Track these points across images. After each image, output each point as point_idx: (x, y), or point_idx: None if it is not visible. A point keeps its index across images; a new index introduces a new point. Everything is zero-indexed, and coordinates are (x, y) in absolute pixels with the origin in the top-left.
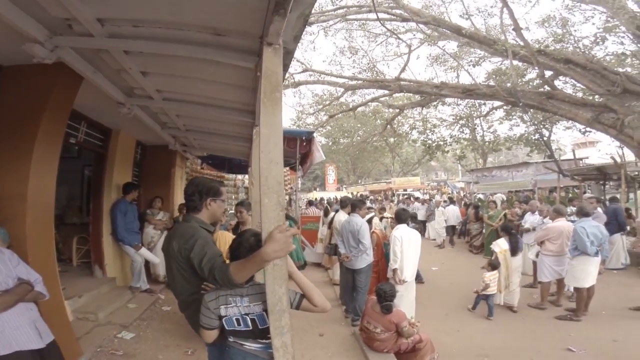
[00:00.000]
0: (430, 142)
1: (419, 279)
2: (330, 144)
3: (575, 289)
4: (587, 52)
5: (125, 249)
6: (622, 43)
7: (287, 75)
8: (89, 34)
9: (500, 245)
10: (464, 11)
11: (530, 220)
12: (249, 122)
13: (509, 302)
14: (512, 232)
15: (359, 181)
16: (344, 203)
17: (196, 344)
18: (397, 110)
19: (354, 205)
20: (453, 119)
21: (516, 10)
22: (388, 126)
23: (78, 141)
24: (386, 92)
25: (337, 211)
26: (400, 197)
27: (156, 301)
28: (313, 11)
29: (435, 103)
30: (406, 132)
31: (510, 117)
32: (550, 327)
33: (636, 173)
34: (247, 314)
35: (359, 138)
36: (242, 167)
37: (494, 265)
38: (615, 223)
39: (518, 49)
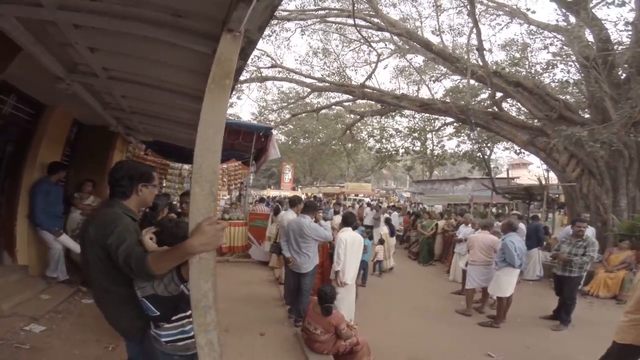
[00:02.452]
0: (384, 151)
1: (363, 281)
2: (290, 142)
3: (498, 297)
4: (537, 77)
5: (42, 235)
6: (568, 72)
7: (253, 68)
8: (38, 3)
9: (385, 230)
10: (437, 28)
11: (463, 231)
12: (200, 109)
13: (390, 265)
14: (391, 223)
15: (315, 183)
16: (293, 202)
17: (119, 339)
18: (358, 117)
19: (307, 206)
20: (408, 131)
21: (485, 32)
22: (347, 131)
23: (3, 114)
24: (350, 97)
25: (278, 209)
26: (353, 202)
27: (76, 293)
28: (292, 8)
29: (393, 113)
30: (363, 139)
31: (459, 134)
32: (474, 332)
33: (556, 195)
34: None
35: (319, 140)
36: (191, 156)
37: (381, 241)
38: (536, 238)
39: (477, 69)
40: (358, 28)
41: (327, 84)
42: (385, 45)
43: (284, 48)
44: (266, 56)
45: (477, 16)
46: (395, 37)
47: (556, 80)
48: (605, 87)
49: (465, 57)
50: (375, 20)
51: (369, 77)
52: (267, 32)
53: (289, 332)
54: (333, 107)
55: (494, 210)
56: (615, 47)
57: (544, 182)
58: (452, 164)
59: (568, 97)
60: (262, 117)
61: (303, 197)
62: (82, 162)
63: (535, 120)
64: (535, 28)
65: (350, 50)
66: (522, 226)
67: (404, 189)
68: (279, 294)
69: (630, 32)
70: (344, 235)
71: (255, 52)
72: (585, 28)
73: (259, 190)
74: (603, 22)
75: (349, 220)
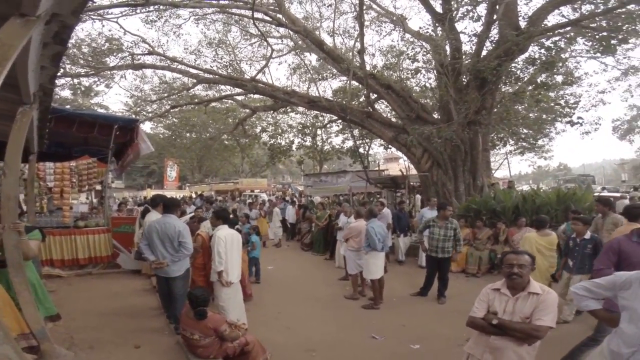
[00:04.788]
0: (277, 146)
1: (257, 278)
2: (173, 137)
3: (371, 280)
4: (404, 81)
5: None
6: (429, 78)
7: (126, 54)
8: None
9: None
10: (332, 29)
11: (342, 220)
12: (11, 98)
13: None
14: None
15: (206, 180)
16: (155, 201)
17: None
18: (249, 111)
19: (167, 205)
20: (300, 126)
21: (372, 38)
22: (240, 126)
23: None
24: (241, 91)
25: (147, 210)
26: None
27: None
28: None
29: (288, 110)
30: (257, 134)
31: (345, 131)
32: (359, 316)
33: (417, 183)
34: None
35: (208, 134)
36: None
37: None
38: (399, 226)
39: (357, 70)
40: (256, 22)
41: (215, 76)
42: (282, 41)
43: (173, 36)
44: (142, 41)
45: (364, 21)
46: (293, 35)
47: (419, 85)
48: (452, 91)
49: (351, 59)
50: (278, 15)
51: (261, 71)
52: (153, 17)
53: (170, 340)
54: (225, 100)
55: (360, 198)
56: (464, 57)
57: (405, 172)
58: (339, 158)
59: (427, 100)
60: (139, 109)
61: (193, 195)
62: None
63: (399, 120)
64: (410, 37)
65: (250, 45)
66: (387, 211)
67: (299, 182)
68: (157, 302)
69: (474, 44)
70: (221, 233)
71: (131, 38)
72: (445, 39)
73: (135, 191)
74: (461, 34)
75: (224, 216)
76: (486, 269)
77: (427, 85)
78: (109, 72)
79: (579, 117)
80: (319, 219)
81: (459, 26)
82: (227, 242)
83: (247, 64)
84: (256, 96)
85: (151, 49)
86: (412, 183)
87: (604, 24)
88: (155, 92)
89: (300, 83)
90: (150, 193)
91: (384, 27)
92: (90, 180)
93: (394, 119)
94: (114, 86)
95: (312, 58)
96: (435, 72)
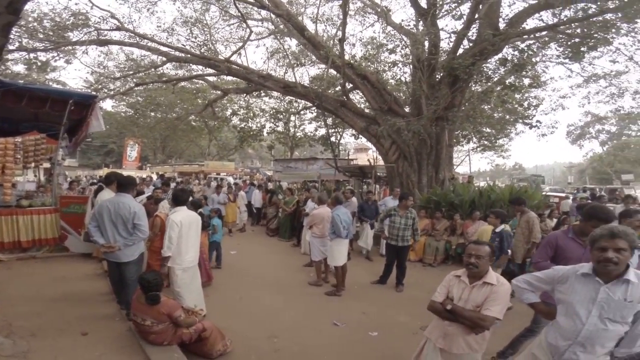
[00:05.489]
0: (248, 130)
1: (218, 262)
2: (137, 116)
3: (335, 267)
4: (380, 73)
5: None
6: (405, 72)
7: (92, 29)
8: None
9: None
10: (315, 16)
11: (309, 206)
12: None
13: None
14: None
15: (168, 161)
16: (109, 179)
17: None
18: (221, 93)
19: (122, 184)
20: (273, 111)
21: (356, 28)
22: (209, 107)
23: None
24: (213, 71)
25: (101, 189)
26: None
27: None
28: None
29: (262, 94)
30: (227, 117)
31: (318, 119)
32: (322, 302)
33: (384, 174)
34: None
35: (174, 115)
36: None
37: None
38: (369, 212)
39: (336, 58)
40: (237, 2)
41: (188, 55)
42: (262, 24)
43: (146, 13)
44: (111, 17)
45: (349, 10)
46: (275, 18)
47: (395, 78)
48: (424, 86)
49: (332, 47)
50: None
51: (236, 52)
52: None
53: (121, 327)
54: (195, 80)
55: (331, 187)
56: (440, 53)
57: (372, 162)
58: (310, 145)
59: (401, 94)
60: (99, 86)
61: (154, 177)
62: None
63: (371, 111)
64: (392, 29)
65: (228, 25)
66: (354, 200)
67: (268, 167)
68: (108, 287)
69: (452, 41)
70: (176, 216)
71: (99, 13)
72: (426, 34)
73: (90, 170)
74: (441, 31)
75: (181, 198)
76: (442, 259)
77: (402, 79)
78: (70, 47)
79: (537, 120)
80: (287, 204)
81: (441, 23)
82: (183, 225)
83: (222, 44)
84: (229, 78)
85: (120, 25)
86: (379, 173)
87: (579, 31)
88: (120, 70)
89: (277, 67)
90: (103, 172)
91: (368, 18)
92: (38, 157)
93: (367, 110)
94: (75, 62)
95: (291, 43)
96: (411, 66)
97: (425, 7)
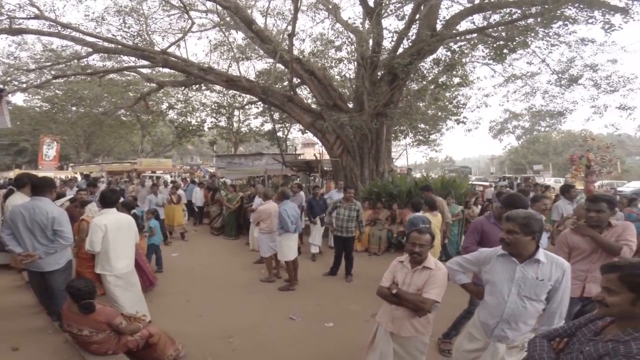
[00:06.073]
0: (187, 125)
1: (158, 266)
2: (54, 111)
3: (285, 262)
4: (327, 69)
5: None
6: (350, 69)
7: (3, 17)
8: None
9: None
10: (266, 9)
11: (256, 202)
12: None
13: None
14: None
15: (95, 159)
16: (20, 182)
17: None
18: (156, 86)
19: (37, 186)
20: (215, 105)
21: (307, 24)
22: (142, 101)
23: None
24: (147, 63)
25: (11, 192)
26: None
27: None
28: None
29: (203, 87)
30: (162, 111)
31: (264, 114)
32: (276, 298)
33: (330, 168)
34: None
35: (100, 109)
36: None
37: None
38: (318, 208)
39: (284, 53)
40: None
41: (119, 46)
42: (206, 15)
43: (73, 0)
44: (30, 4)
45: (301, 6)
46: (222, 10)
47: (340, 75)
48: (367, 83)
49: (281, 41)
50: None
51: (175, 43)
52: None
53: (56, 339)
54: (126, 73)
55: (279, 182)
56: (382, 51)
57: (319, 157)
58: (256, 141)
59: (345, 90)
60: (8, 78)
61: (78, 177)
62: None
63: (317, 106)
64: (340, 27)
65: (168, 16)
66: (302, 194)
67: (210, 164)
68: (34, 299)
69: (393, 40)
70: (101, 219)
71: (16, 0)
72: (371, 33)
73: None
74: (385, 30)
75: (110, 200)
76: (385, 248)
77: (347, 75)
78: None
79: (464, 117)
80: (230, 201)
81: (385, 22)
82: (109, 229)
83: (160, 35)
84: (166, 70)
85: (39, 14)
86: (325, 168)
87: (504, 34)
88: (35, 61)
89: (220, 61)
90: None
91: (319, 14)
92: None
93: (313, 105)
94: None
95: (237, 36)
96: (356, 63)
97: (372, 6)
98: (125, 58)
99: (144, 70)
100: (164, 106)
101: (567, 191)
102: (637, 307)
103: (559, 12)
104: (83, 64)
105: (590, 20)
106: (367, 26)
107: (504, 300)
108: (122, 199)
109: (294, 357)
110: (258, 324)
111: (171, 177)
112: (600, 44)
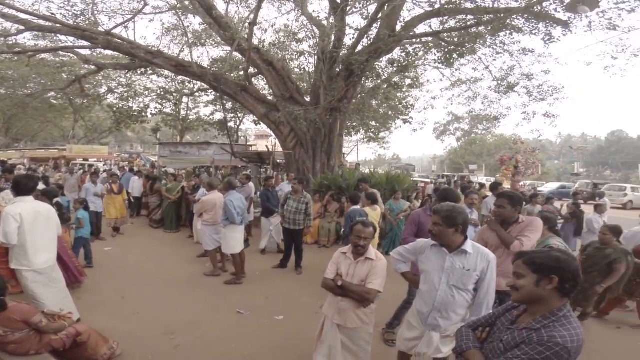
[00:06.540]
0: (126, 110)
1: (88, 261)
2: None
3: (232, 255)
4: (287, 61)
5: None
6: (310, 62)
7: None
8: None
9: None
10: None
11: (200, 193)
12: None
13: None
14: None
15: (16, 145)
16: None
17: None
18: (94, 68)
19: None
20: (161, 91)
21: (270, 14)
22: (77, 83)
23: None
24: (88, 44)
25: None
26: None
27: None
28: None
29: (149, 71)
30: (100, 95)
31: (216, 102)
32: (222, 292)
33: (282, 161)
34: None
35: (27, 91)
36: None
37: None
38: (275, 200)
39: (243, 42)
40: None
41: (57, 25)
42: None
43: None
44: None
45: None
46: None
47: (300, 67)
48: (324, 78)
49: (241, 29)
50: None
51: (122, 24)
52: None
53: None
54: (61, 53)
55: (223, 172)
56: (343, 48)
57: (271, 149)
58: (205, 130)
59: (304, 83)
60: None
61: None
62: None
63: (273, 97)
64: (305, 19)
65: None
66: (251, 185)
67: (153, 152)
68: None
69: (354, 37)
70: (15, 208)
71: None
72: (334, 28)
73: None
74: (348, 27)
75: (25, 187)
76: (334, 240)
77: (306, 68)
78: None
79: (410, 117)
80: (169, 191)
81: (349, 19)
82: (26, 219)
83: (107, 15)
84: (109, 52)
85: None
86: (278, 160)
87: (456, 40)
88: None
89: (172, 45)
90: None
91: (286, 5)
92: None
93: (269, 97)
94: None
95: (195, 21)
96: (316, 57)
97: (339, 2)
98: (62, 38)
99: (83, 51)
100: (103, 90)
101: (495, 189)
102: (541, 287)
103: (508, 21)
104: (11, 42)
105: (534, 32)
106: (332, 21)
107: (435, 288)
108: (43, 187)
109: (241, 351)
110: (202, 319)
111: (104, 165)
112: (539, 54)
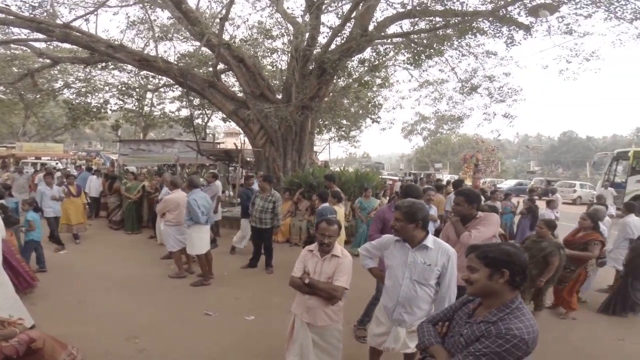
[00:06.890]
0: (84, 105)
1: (40, 265)
2: None
3: (197, 255)
4: (259, 58)
5: None
6: (283, 60)
7: None
8: None
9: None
10: None
11: (164, 192)
12: None
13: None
14: None
15: None
16: None
17: None
18: (49, 62)
19: None
20: (123, 86)
21: (244, 10)
22: (30, 78)
23: None
24: (43, 37)
25: None
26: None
27: None
28: None
29: (111, 65)
30: (54, 89)
31: (182, 98)
32: (189, 294)
33: (252, 159)
34: None
35: None
36: None
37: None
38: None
39: (212, 37)
40: None
41: (9, 16)
42: None
43: None
44: None
45: None
46: None
47: (272, 64)
48: (297, 75)
49: (211, 24)
50: None
51: (83, 17)
52: None
53: None
54: (12, 45)
55: (198, 170)
56: (316, 46)
57: (240, 146)
58: (170, 127)
59: (275, 81)
60: None
61: None
62: None
63: (242, 94)
64: (279, 16)
65: None
66: (218, 183)
67: (113, 150)
68: None
69: (327, 36)
70: None
71: None
72: (309, 26)
73: None
74: (322, 25)
75: None
76: (305, 238)
77: (278, 66)
78: None
79: (378, 116)
80: (129, 190)
81: (324, 17)
82: None
83: (67, 7)
84: (67, 45)
85: None
86: (247, 158)
87: (425, 41)
88: None
89: (137, 39)
90: None
91: (261, 1)
92: None
93: (239, 93)
94: None
95: (163, 15)
96: (289, 55)
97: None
98: (15, 30)
99: (38, 44)
100: (59, 84)
101: (458, 186)
102: (494, 281)
103: (474, 23)
104: None
105: (497, 35)
106: (306, 19)
107: (399, 283)
108: None
109: (210, 352)
110: (168, 322)
111: (56, 163)
112: (502, 57)
